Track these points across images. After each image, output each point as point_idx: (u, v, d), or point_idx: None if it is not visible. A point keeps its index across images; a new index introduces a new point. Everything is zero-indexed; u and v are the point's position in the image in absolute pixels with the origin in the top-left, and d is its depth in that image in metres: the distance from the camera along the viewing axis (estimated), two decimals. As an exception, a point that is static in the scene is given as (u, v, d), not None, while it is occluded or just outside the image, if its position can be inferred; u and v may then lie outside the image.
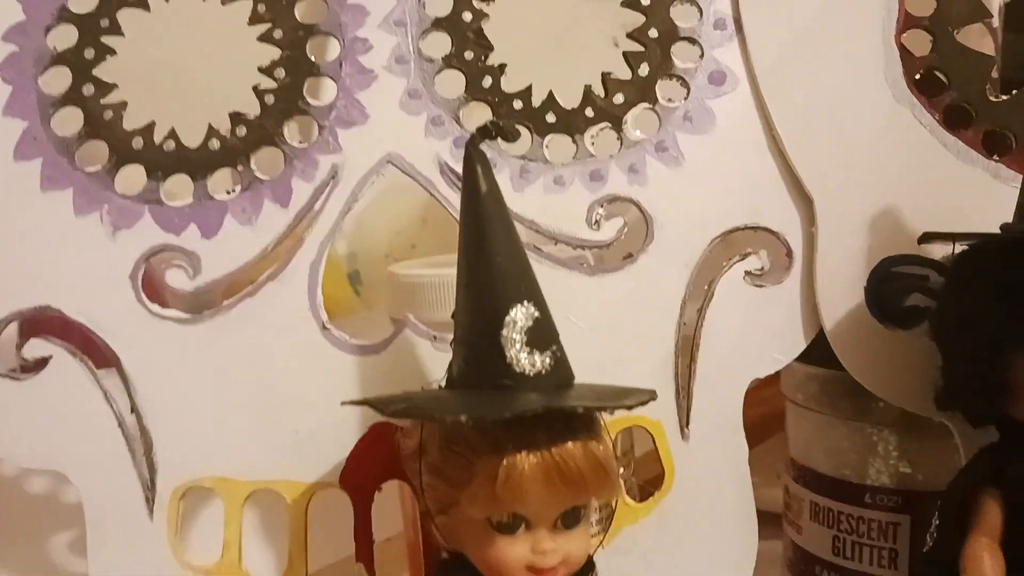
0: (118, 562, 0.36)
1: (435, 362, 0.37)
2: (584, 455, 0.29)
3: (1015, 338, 0.31)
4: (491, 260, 0.30)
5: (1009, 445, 0.33)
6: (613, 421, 0.37)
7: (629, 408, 0.30)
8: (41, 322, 0.37)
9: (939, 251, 0.37)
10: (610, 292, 0.38)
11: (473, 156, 0.31)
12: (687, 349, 0.38)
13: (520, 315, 0.30)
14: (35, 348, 0.37)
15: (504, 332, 0.30)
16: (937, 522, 0.33)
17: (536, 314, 0.30)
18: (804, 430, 0.45)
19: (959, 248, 0.34)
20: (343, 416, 0.37)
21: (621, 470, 0.35)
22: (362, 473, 0.37)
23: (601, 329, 0.38)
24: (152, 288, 0.38)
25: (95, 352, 0.37)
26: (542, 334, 0.30)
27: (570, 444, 0.29)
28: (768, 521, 0.52)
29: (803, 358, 0.44)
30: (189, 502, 0.37)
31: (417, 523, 0.39)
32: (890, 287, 0.38)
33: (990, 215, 0.34)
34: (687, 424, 0.38)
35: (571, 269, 0.38)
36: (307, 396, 0.37)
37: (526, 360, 0.30)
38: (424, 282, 0.40)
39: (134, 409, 0.37)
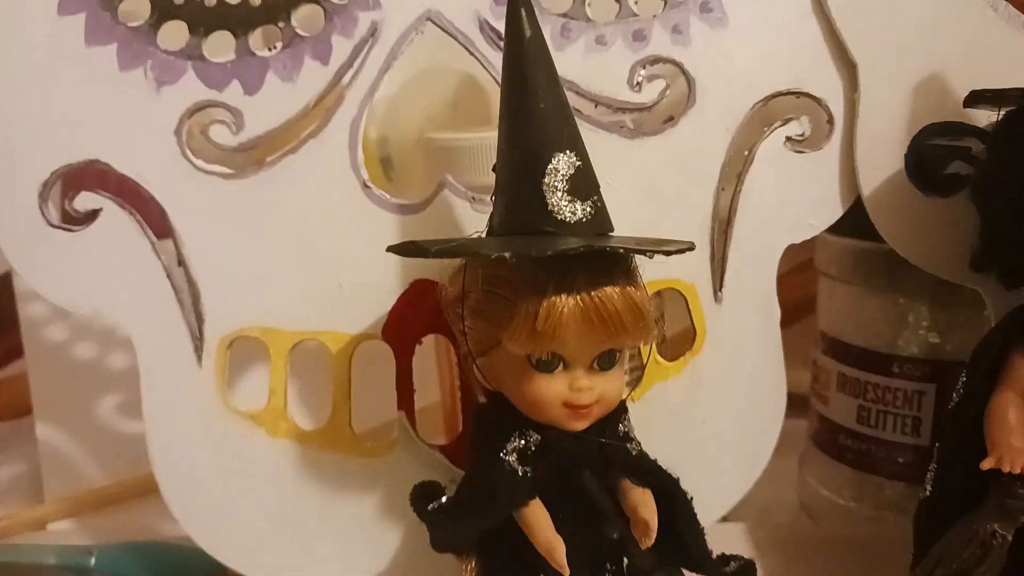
0: (169, 406, 0.38)
1: (473, 222, 0.38)
2: (622, 298, 0.30)
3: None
4: (534, 107, 0.30)
5: (1042, 304, 0.33)
6: (648, 283, 0.38)
7: (667, 254, 0.30)
8: (90, 175, 0.38)
9: (983, 119, 0.37)
10: (649, 156, 0.38)
11: (517, 1, 0.31)
12: (724, 214, 0.39)
13: (562, 163, 0.30)
14: (85, 201, 0.37)
15: (546, 179, 0.30)
16: (964, 378, 0.34)
17: (578, 163, 0.31)
18: (836, 303, 0.46)
19: (1007, 108, 0.34)
20: (385, 271, 0.38)
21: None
22: (404, 326, 0.38)
23: (639, 193, 0.38)
24: (197, 143, 0.38)
25: (142, 205, 0.38)
26: (583, 183, 0.31)
27: (609, 287, 0.30)
28: (794, 402, 0.53)
29: (839, 231, 0.45)
30: (236, 352, 0.39)
31: (454, 380, 0.41)
32: (931, 154, 0.37)
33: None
34: (720, 288, 0.39)
35: (611, 132, 0.38)
36: (349, 252, 0.38)
37: (567, 208, 0.30)
38: (462, 145, 0.40)
39: (181, 262, 0.38)
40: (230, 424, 0.38)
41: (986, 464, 0.31)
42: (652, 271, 0.38)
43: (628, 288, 0.30)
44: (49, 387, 0.54)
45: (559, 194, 0.30)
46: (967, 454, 0.32)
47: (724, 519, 0.48)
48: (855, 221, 0.39)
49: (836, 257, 0.45)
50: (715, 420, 0.39)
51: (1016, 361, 0.33)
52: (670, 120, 0.38)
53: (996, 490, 0.32)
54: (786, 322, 0.58)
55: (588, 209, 0.31)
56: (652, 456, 0.34)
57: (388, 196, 0.38)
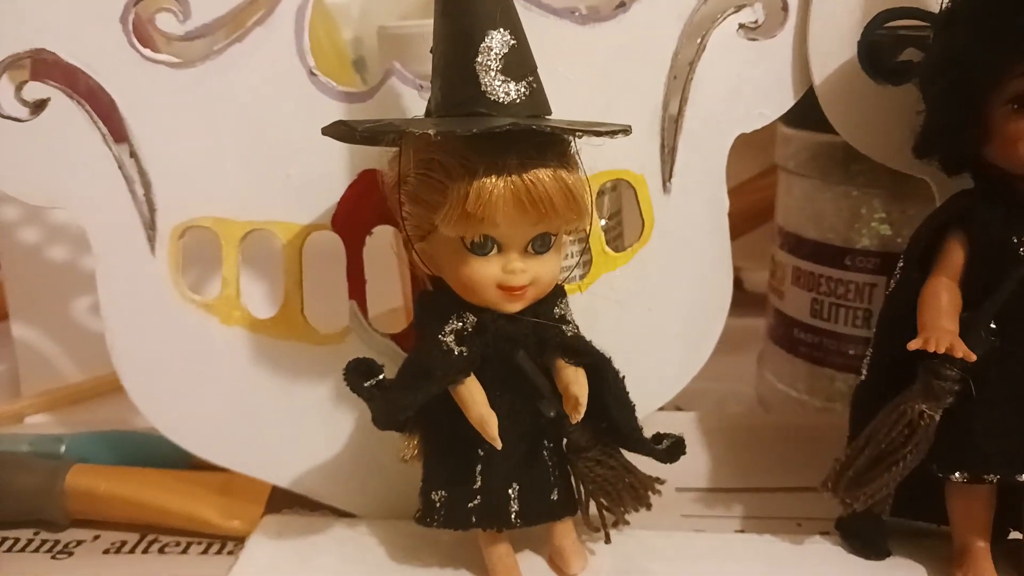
0: (125, 295, 0.38)
1: (421, 110, 0.37)
2: (554, 181, 0.30)
3: (998, 71, 0.30)
4: (467, -17, 0.30)
5: (981, 189, 0.33)
6: (596, 174, 0.38)
7: (598, 134, 0.30)
8: (38, 65, 0.38)
9: (937, 5, 0.36)
10: (601, 43, 0.38)
11: None
12: (675, 103, 0.38)
13: (496, 42, 0.30)
14: (34, 90, 0.37)
15: (479, 58, 0.30)
16: (902, 263, 0.34)
17: (513, 42, 0.30)
18: (794, 197, 0.46)
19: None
20: (334, 161, 0.38)
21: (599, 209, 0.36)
22: (354, 215, 0.38)
23: (590, 81, 0.38)
24: (143, 32, 0.38)
25: (90, 95, 0.38)
26: (518, 63, 0.30)
27: (540, 170, 0.30)
28: (758, 301, 0.53)
29: (797, 124, 0.44)
30: (189, 242, 0.39)
31: (408, 268, 0.41)
32: (884, 41, 0.37)
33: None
34: (670, 178, 0.38)
35: (562, 18, 0.38)
36: (297, 141, 0.38)
37: (501, 88, 0.30)
38: (411, 32, 0.40)
39: (133, 152, 0.38)
40: (185, 313, 0.39)
41: (913, 344, 0.32)
42: (602, 162, 0.38)
43: (560, 171, 0.30)
44: (24, 288, 0.55)
45: (492, 73, 0.30)
46: (901, 338, 0.33)
47: (678, 409, 0.49)
48: (814, 114, 0.39)
49: (794, 151, 0.45)
50: (660, 310, 0.39)
51: (951, 246, 0.33)
52: (622, 6, 0.38)
53: (924, 371, 0.32)
54: (753, 224, 0.59)
55: (523, 90, 0.30)
56: (591, 341, 0.34)
57: (334, 84, 0.38)
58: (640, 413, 0.39)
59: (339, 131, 0.31)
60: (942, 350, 0.31)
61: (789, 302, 0.46)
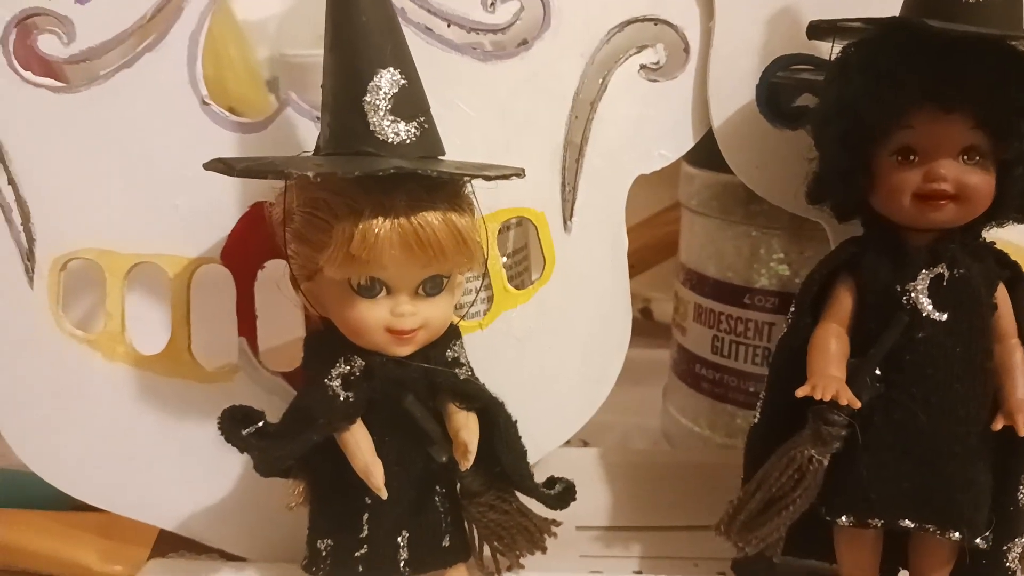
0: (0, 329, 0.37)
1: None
2: (443, 224, 0.29)
3: (885, 122, 0.31)
4: (356, 20, 0.29)
5: (870, 236, 0.34)
6: (496, 212, 0.37)
7: (487, 179, 0.30)
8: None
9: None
10: (502, 80, 0.37)
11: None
12: (576, 142, 0.38)
13: (385, 81, 0.29)
14: (-98, 110, 0.35)
15: (367, 97, 0.29)
16: (793, 308, 0.35)
17: (403, 81, 0.30)
18: (696, 235, 0.46)
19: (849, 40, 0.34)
20: (224, 192, 0.36)
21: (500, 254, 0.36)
22: (244, 249, 0.37)
23: (491, 118, 0.37)
24: (24, 54, 0.36)
25: (-34, 120, 0.36)
26: (409, 103, 0.30)
27: (430, 212, 0.29)
28: (668, 332, 0.54)
29: (699, 163, 0.45)
30: (72, 274, 0.37)
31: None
32: (782, 85, 0.37)
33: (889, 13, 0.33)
34: (571, 217, 0.38)
35: (463, 54, 0.37)
36: (187, 172, 0.36)
37: (390, 128, 0.29)
38: (310, 63, 0.38)
39: (11, 179, 0.36)
40: (65, 348, 0.37)
41: (801, 392, 0.32)
42: (502, 200, 0.37)
43: (451, 214, 0.30)
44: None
45: (381, 113, 0.29)
46: (793, 383, 0.33)
47: (585, 443, 0.49)
48: (717, 154, 0.39)
49: (696, 190, 0.45)
50: (561, 348, 0.39)
51: (840, 292, 0.34)
52: (524, 44, 0.37)
53: (813, 417, 0.33)
54: (664, 256, 0.59)
55: (413, 130, 0.30)
56: (494, 383, 0.34)
57: (227, 114, 0.37)
58: (541, 450, 0.39)
59: (219, 167, 0.30)
60: (828, 397, 0.31)
61: (691, 338, 0.47)
